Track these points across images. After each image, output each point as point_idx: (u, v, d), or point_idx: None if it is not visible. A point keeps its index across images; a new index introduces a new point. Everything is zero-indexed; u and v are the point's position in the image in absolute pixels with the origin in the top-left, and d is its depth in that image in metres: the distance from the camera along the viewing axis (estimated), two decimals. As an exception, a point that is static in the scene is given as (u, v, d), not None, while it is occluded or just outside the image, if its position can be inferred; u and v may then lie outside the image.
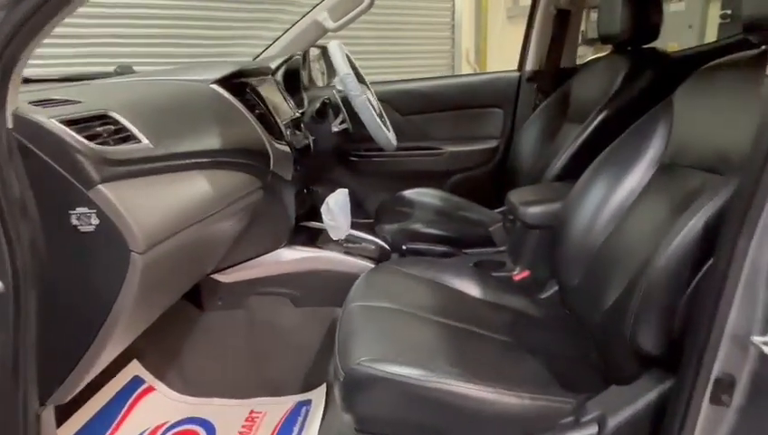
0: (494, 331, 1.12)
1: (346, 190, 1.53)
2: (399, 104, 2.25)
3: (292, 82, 1.96)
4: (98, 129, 0.82)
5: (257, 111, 1.30)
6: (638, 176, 1.17)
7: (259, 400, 1.42)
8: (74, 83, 1.22)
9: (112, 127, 0.84)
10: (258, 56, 1.95)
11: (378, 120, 1.64)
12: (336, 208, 1.49)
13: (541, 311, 1.30)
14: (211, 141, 1.10)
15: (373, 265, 1.50)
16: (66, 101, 0.85)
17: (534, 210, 1.42)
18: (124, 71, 1.58)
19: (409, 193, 2.00)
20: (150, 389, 1.41)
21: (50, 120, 0.76)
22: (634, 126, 1.21)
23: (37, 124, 0.75)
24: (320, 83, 2.19)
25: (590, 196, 1.22)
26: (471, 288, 1.31)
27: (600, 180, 1.22)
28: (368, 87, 1.93)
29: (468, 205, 1.97)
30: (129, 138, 0.87)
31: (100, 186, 0.78)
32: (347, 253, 1.53)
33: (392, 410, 0.88)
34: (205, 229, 1.07)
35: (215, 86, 1.23)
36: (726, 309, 0.68)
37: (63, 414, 1.19)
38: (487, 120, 2.25)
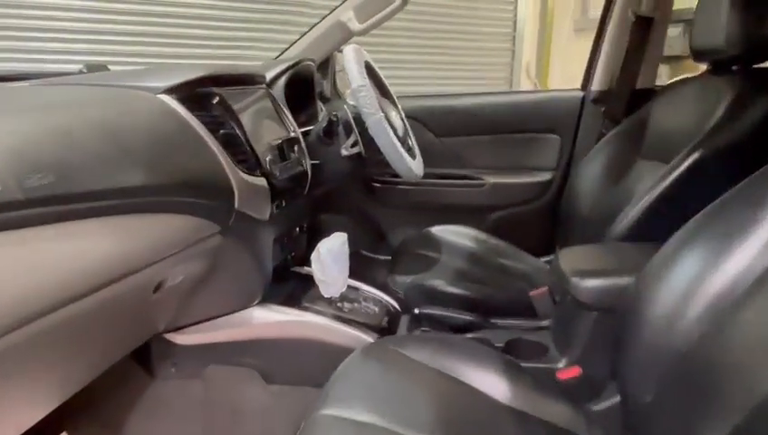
0: None
1: (344, 236, 1.19)
2: (434, 123, 1.89)
3: (303, 92, 1.64)
4: None
5: (222, 132, 0.98)
6: (757, 251, 0.76)
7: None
8: None
9: None
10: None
11: (396, 144, 1.30)
12: (329, 259, 1.15)
13: (593, 430, 0.91)
14: (139, 175, 0.78)
15: (370, 338, 1.15)
16: None
17: (593, 284, 1.02)
18: (92, 70, 1.30)
19: (438, 230, 1.64)
20: (76, 474, 1.11)
21: None
22: (757, 175, 0.80)
23: None
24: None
25: (680, 273, 0.81)
26: (495, 387, 0.93)
27: (696, 251, 0.80)
28: (392, 102, 1.58)
29: (510, 250, 1.59)
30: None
31: None
32: (339, 317, 1.18)
33: None
34: (118, 294, 0.75)
35: (164, 97, 0.92)
36: None
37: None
38: (540, 147, 1.86)
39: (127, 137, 0.80)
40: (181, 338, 1.13)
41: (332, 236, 1.18)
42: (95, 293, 0.71)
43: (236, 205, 0.98)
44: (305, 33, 1.79)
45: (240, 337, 1.13)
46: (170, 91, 0.94)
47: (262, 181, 1.04)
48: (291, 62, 1.44)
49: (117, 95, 0.88)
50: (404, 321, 1.27)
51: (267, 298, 1.18)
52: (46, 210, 0.64)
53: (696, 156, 1.17)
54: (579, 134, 1.80)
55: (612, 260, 1.09)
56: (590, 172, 1.60)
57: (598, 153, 1.62)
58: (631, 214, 1.22)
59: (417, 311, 1.25)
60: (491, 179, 1.86)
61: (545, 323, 1.25)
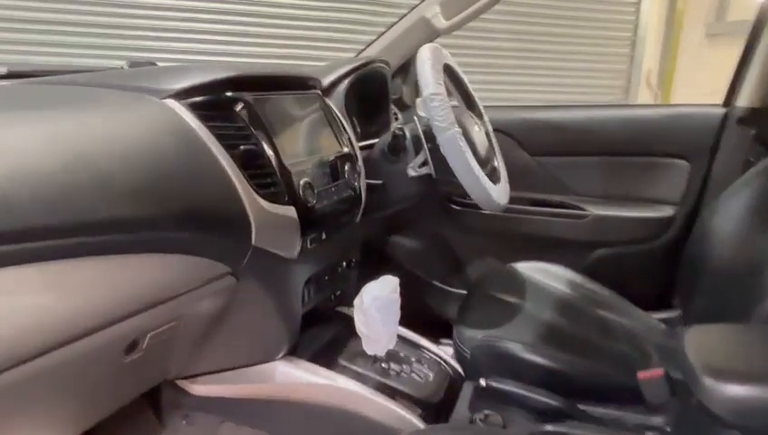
0: None
1: (395, 282, 0.94)
2: (529, 140, 1.60)
3: (376, 98, 1.42)
4: None
5: (243, 147, 0.77)
6: None
7: None
8: None
9: None
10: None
11: (473, 166, 1.04)
12: (373, 309, 0.91)
13: None
14: (121, 205, 0.60)
15: (415, 419, 0.90)
16: None
17: (735, 393, 0.70)
18: (135, 67, 1.17)
19: (524, 268, 1.35)
20: None
21: None
22: None
23: None
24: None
25: None
26: None
27: None
28: (477, 114, 1.32)
29: (613, 299, 1.27)
30: None
31: None
32: (380, 385, 0.94)
33: None
34: (66, 364, 0.57)
35: (171, 102, 0.73)
36: None
37: None
38: (662, 175, 1.50)
39: (106, 155, 0.62)
40: (194, 387, 0.95)
41: (381, 279, 0.94)
42: (32, 361, 0.53)
43: (253, 241, 0.78)
44: (384, 32, 1.58)
45: (260, 395, 0.93)
46: (180, 94, 0.75)
47: (289, 211, 0.82)
48: (355, 65, 1.23)
49: (110, 100, 0.70)
50: (466, 392, 1.00)
51: (297, 349, 0.97)
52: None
53: None
54: (716, 161, 1.43)
55: (763, 355, 0.76)
56: (733, 211, 1.23)
57: (744, 187, 1.24)
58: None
59: (483, 383, 0.98)
60: (595, 210, 1.53)
61: (657, 420, 0.93)
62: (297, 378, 0.91)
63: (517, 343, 1.04)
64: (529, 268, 1.35)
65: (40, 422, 0.63)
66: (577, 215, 1.54)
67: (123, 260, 0.62)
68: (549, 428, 0.89)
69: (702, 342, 0.79)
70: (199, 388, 0.95)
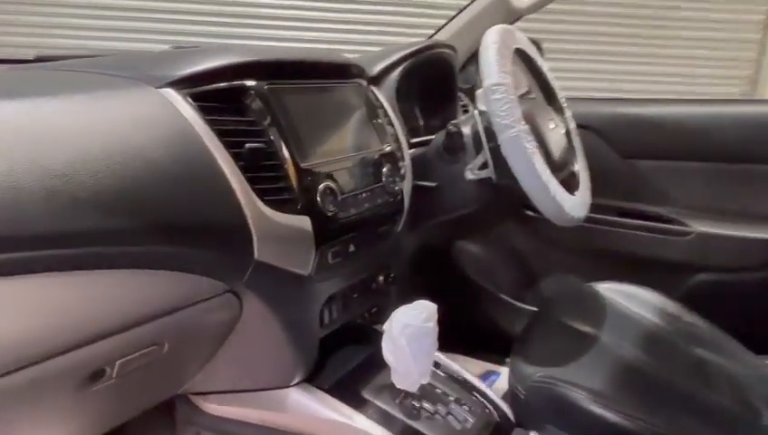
0: None
1: (431, 309, 0.80)
2: (621, 138, 1.37)
3: (441, 87, 1.27)
4: None
5: (249, 146, 0.66)
6: None
7: None
8: None
9: None
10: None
11: (540, 172, 0.88)
12: (403, 340, 0.77)
13: None
14: (93, 213, 0.51)
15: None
16: None
17: None
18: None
19: (606, 289, 1.15)
20: None
21: None
22: None
23: None
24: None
25: None
26: None
27: None
28: (557, 109, 1.14)
29: (716, 337, 1.05)
30: None
31: None
32: (406, 431, 0.79)
33: None
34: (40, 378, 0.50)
35: (167, 91, 0.64)
36: None
37: None
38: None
39: (76, 151, 0.53)
40: (207, 405, 0.87)
41: (415, 304, 0.80)
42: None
43: (256, 255, 0.67)
44: (457, 14, 1.41)
45: (272, 422, 0.83)
46: (180, 82, 0.65)
47: (302, 221, 0.70)
48: (410, 50, 1.08)
49: (97, 87, 0.62)
50: (515, 442, 0.84)
51: (318, 373, 0.85)
52: None
53: None
54: None
55: None
56: None
57: None
58: None
59: (534, 436, 0.81)
60: (699, 227, 1.28)
61: None
62: (312, 411, 0.80)
63: (584, 390, 0.85)
64: (611, 290, 1.15)
65: None
66: (676, 231, 1.30)
67: (90, 277, 0.53)
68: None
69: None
70: (212, 406, 0.86)
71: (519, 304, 1.52)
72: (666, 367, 0.95)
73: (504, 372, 0.99)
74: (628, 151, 1.37)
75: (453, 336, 1.26)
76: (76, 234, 0.51)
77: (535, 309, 1.33)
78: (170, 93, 0.64)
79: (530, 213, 1.46)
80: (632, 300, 1.12)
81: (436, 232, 1.49)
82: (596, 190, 1.15)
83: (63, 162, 0.50)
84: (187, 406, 0.88)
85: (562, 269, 1.46)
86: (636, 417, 0.81)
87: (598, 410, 0.82)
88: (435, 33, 1.47)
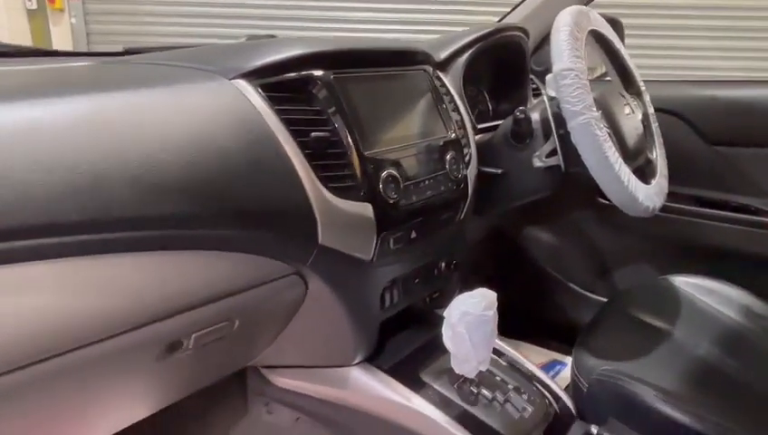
0: None
1: (491, 297, 0.80)
2: (706, 123, 1.29)
3: (512, 71, 1.24)
4: None
5: (314, 135, 0.69)
6: None
7: None
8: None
9: None
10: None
11: (612, 160, 0.85)
12: (462, 327, 0.78)
13: None
14: (157, 198, 0.56)
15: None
16: None
17: None
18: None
19: (683, 283, 1.10)
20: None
21: None
22: None
23: None
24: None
25: None
26: None
27: None
28: (636, 93, 1.09)
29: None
30: None
31: None
32: (464, 416, 0.80)
33: None
34: (90, 364, 0.56)
35: (240, 82, 0.67)
36: None
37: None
38: None
39: (153, 141, 0.57)
40: (275, 378, 0.92)
41: (476, 292, 0.80)
42: (52, 359, 0.52)
43: (319, 239, 0.69)
44: (531, -7, 1.37)
45: (335, 398, 0.87)
46: (251, 74, 0.68)
47: (364, 208, 0.72)
48: (477, 35, 1.06)
49: (173, 79, 0.66)
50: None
51: (379, 354, 0.88)
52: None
53: None
54: None
55: None
56: None
57: None
58: None
59: (595, 430, 0.79)
60: (793, 220, 1.18)
61: None
62: (371, 389, 0.83)
63: (652, 387, 0.82)
64: (689, 283, 1.09)
65: (76, 417, 0.63)
66: (762, 223, 1.20)
67: (168, 257, 0.58)
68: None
69: None
70: (280, 379, 0.91)
71: (589, 294, 1.48)
72: (745, 369, 0.89)
73: (570, 362, 0.97)
74: (714, 137, 1.28)
75: (519, 324, 1.25)
76: (156, 218, 0.55)
77: (605, 300, 1.29)
78: (242, 84, 0.67)
79: (603, 201, 1.40)
80: (712, 295, 1.06)
81: (505, 218, 1.47)
82: (678, 178, 1.10)
83: (145, 153, 0.55)
84: (257, 378, 0.94)
85: (637, 260, 1.40)
86: (708, 419, 0.78)
87: (666, 408, 0.79)
88: (506, 15, 1.44)
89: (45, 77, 0.70)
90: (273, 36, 1.18)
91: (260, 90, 0.67)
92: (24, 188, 0.46)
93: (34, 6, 3.16)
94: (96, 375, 0.60)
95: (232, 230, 0.62)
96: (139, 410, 0.72)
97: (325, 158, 0.69)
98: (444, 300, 0.92)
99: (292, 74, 0.70)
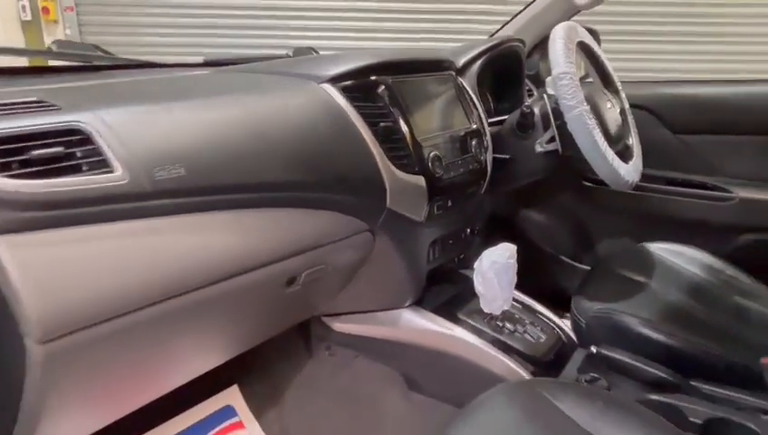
0: None
1: (512, 249, 1.03)
2: (673, 116, 1.54)
3: (510, 75, 1.48)
4: (39, 151, 0.58)
5: (382, 125, 0.91)
6: None
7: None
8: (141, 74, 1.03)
9: (60, 150, 0.59)
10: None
11: (600, 143, 1.08)
12: (491, 272, 1.02)
13: None
14: (280, 170, 0.78)
15: (524, 372, 0.99)
16: (35, 107, 0.63)
17: None
18: (298, 54, 1.37)
19: (657, 248, 1.33)
20: (239, 425, 1.22)
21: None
22: None
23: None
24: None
25: None
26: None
27: None
28: (614, 91, 1.33)
29: (758, 289, 1.21)
30: (101, 164, 0.61)
31: (-1, 237, 0.54)
32: (494, 340, 1.04)
33: None
34: (240, 289, 0.77)
35: (327, 86, 0.89)
36: None
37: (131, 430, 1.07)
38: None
39: (276, 129, 0.79)
40: (336, 324, 1.14)
41: (500, 246, 1.04)
42: (216, 284, 0.72)
43: (387, 203, 0.92)
44: (524, 9, 1.61)
45: (389, 336, 1.09)
46: (335, 79, 0.91)
47: (419, 180, 0.95)
48: (488, 45, 1.30)
49: (280, 84, 0.88)
50: (576, 357, 1.06)
51: (423, 301, 1.11)
52: (172, 202, 0.66)
53: None
54: None
55: None
56: None
57: None
58: None
59: (594, 349, 1.04)
60: (742, 193, 1.45)
61: (775, 405, 0.92)
62: (421, 325, 1.06)
63: (635, 317, 1.07)
64: (662, 249, 1.33)
65: (212, 338, 0.84)
66: (720, 197, 1.47)
67: (286, 213, 0.80)
68: (655, 397, 0.93)
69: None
70: (340, 325, 1.13)
71: (576, 264, 1.72)
72: (706, 308, 1.13)
73: (564, 323, 1.21)
74: (677, 127, 1.54)
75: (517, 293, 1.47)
76: (285, 183, 0.77)
77: (590, 268, 1.52)
78: (329, 87, 0.89)
79: (588, 184, 1.66)
80: (680, 257, 1.30)
81: (503, 203, 1.71)
82: (648, 162, 1.34)
83: (275, 138, 0.77)
84: (319, 326, 1.16)
85: (616, 233, 1.64)
86: (678, 336, 1.02)
87: (647, 331, 1.04)
88: (502, 27, 1.68)
89: (190, 84, 0.91)
90: (312, 49, 1.41)
91: (342, 91, 0.90)
92: (216, 161, 0.68)
93: (29, 18, 3.23)
94: (234, 303, 0.81)
95: (328, 194, 0.85)
96: (263, 332, 0.94)
97: (390, 142, 0.92)
98: (468, 262, 1.15)
99: (364, 79, 0.93)
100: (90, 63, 1.00)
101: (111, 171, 0.61)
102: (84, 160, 0.61)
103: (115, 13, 3.26)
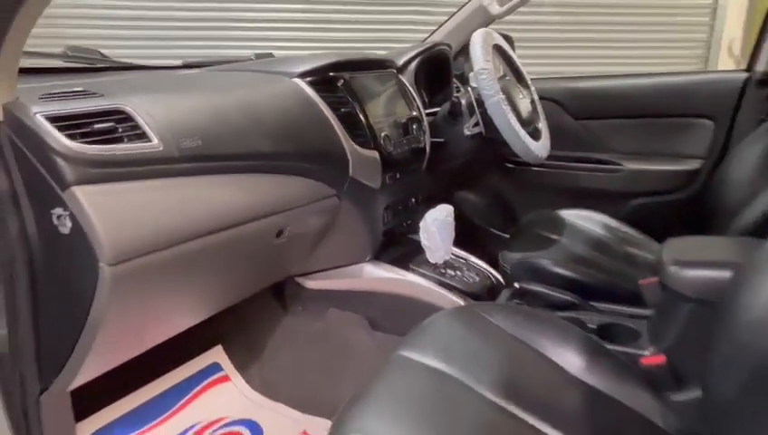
0: None
1: (449, 208, 1.29)
2: (574, 106, 1.87)
3: (441, 74, 1.75)
4: (98, 126, 0.77)
5: (343, 110, 1.15)
6: None
7: (316, 421, 1.31)
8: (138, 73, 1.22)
9: (112, 125, 0.79)
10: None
11: (514, 125, 1.35)
12: (434, 227, 1.27)
13: (668, 420, 0.91)
14: (270, 143, 1.00)
15: (462, 303, 1.25)
16: (84, 94, 0.82)
17: (690, 275, 0.99)
18: (259, 58, 1.58)
19: (565, 213, 1.63)
20: (225, 378, 1.41)
21: (34, 116, 0.73)
22: None
23: (20, 119, 0.73)
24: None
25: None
26: (571, 361, 0.97)
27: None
28: (525, 85, 1.62)
29: (640, 240, 1.53)
30: (142, 136, 0.81)
31: (74, 188, 0.73)
32: (440, 281, 1.30)
33: None
34: (246, 233, 0.97)
35: (298, 80, 1.12)
36: None
37: (131, 386, 1.24)
38: (691, 133, 1.73)
39: (263, 112, 1.01)
40: (308, 283, 1.36)
41: (439, 207, 1.29)
42: (227, 230, 0.93)
43: (350, 173, 1.16)
44: (449, 18, 1.90)
45: (354, 287, 1.32)
46: (303, 75, 1.14)
47: (374, 154, 1.20)
48: (422, 48, 1.57)
49: (261, 79, 1.10)
50: (504, 294, 1.34)
51: (380, 257, 1.35)
52: (194, 166, 0.87)
53: None
54: (737, 120, 1.64)
55: (719, 252, 1.04)
56: (746, 159, 1.46)
57: (756, 140, 1.47)
58: (760, 208, 1.12)
59: (517, 285, 1.31)
60: (630, 165, 1.79)
61: (647, 312, 1.22)
62: (380, 274, 1.30)
63: (549, 259, 1.35)
64: (572, 214, 1.63)
65: (218, 281, 1.04)
66: (613, 169, 1.80)
67: (275, 178, 1.02)
68: (562, 314, 1.21)
69: (675, 246, 1.09)
70: (312, 283, 1.35)
71: (502, 234, 2.01)
72: (602, 254, 1.43)
73: (493, 271, 1.48)
74: (578, 115, 1.87)
75: None
76: (274, 153, 0.99)
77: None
78: (300, 81, 1.12)
79: (510, 165, 1.96)
80: (585, 220, 1.61)
81: (441, 185, 1.97)
82: (557, 144, 1.64)
83: (266, 119, 0.99)
84: (293, 285, 1.37)
85: (534, 204, 1.93)
86: (581, 271, 1.32)
87: (555, 269, 1.32)
88: (431, 34, 1.95)
89: (193, 79, 1.11)
90: (270, 54, 1.62)
91: (309, 84, 1.13)
92: (223, 135, 0.90)
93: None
94: (228, 254, 1.01)
95: (302, 163, 1.07)
96: (247, 287, 1.14)
97: (350, 124, 1.16)
98: (414, 227, 1.40)
99: (326, 75, 1.17)
100: (93, 66, 1.18)
101: (149, 141, 0.81)
102: (127, 133, 0.81)
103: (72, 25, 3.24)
